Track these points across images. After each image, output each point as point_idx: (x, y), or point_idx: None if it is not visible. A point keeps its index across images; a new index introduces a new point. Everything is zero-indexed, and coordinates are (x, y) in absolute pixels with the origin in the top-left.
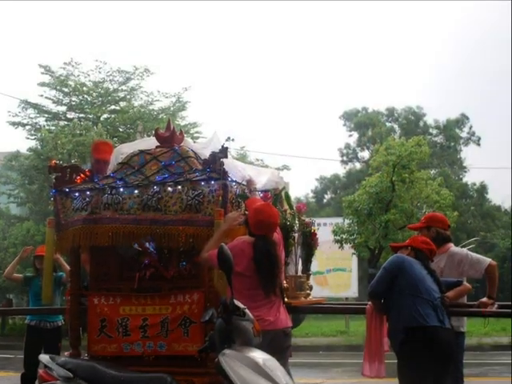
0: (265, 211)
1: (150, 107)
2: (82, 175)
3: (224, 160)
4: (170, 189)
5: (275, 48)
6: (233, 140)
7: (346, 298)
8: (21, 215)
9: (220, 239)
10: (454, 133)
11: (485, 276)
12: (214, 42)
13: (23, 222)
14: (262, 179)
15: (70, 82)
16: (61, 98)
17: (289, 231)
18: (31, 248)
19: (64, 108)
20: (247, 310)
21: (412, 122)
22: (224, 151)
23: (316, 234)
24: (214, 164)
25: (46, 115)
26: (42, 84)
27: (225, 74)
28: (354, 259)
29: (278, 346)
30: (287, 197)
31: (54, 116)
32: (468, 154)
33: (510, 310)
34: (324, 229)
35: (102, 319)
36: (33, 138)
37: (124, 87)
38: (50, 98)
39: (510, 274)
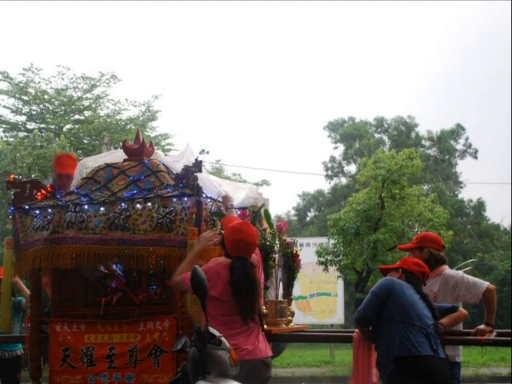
0: (242, 230)
1: (118, 117)
2: (43, 191)
3: (198, 174)
4: (139, 206)
5: (253, 53)
6: (207, 153)
7: (331, 325)
8: None
9: (193, 261)
10: (448, 145)
11: (482, 301)
12: (186, 46)
13: None
14: (239, 195)
15: (30, 90)
16: (20, 106)
17: (269, 252)
18: None
19: (23, 118)
20: (223, 338)
21: (403, 133)
22: (198, 165)
23: (298, 256)
24: (187, 179)
25: (4, 126)
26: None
27: (199, 80)
28: (340, 283)
29: (257, 377)
30: (267, 214)
31: (13, 127)
32: (464, 167)
33: (509, 338)
34: (307, 249)
35: (65, 348)
36: None
37: (89, 95)
38: (7, 107)
39: (510, 299)
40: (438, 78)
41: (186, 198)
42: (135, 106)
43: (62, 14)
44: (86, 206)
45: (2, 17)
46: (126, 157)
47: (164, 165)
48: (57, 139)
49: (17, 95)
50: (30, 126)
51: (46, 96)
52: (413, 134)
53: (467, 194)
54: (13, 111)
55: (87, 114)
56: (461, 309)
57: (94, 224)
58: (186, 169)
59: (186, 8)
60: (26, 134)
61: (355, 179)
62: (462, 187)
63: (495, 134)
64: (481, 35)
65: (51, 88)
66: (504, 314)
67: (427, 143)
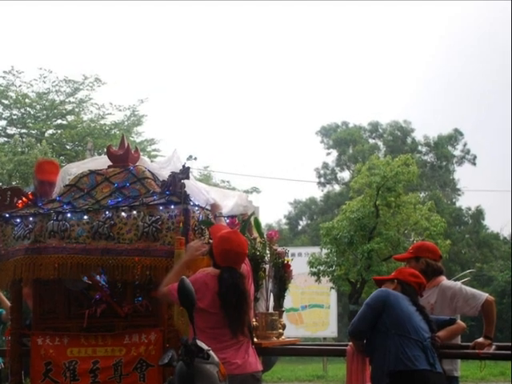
0: (231, 240)
1: (102, 121)
2: (24, 199)
3: (185, 182)
4: (123, 214)
5: (243, 55)
6: (195, 159)
7: (324, 338)
8: None
9: (181, 271)
10: (446, 151)
11: (481, 313)
12: (173, 49)
13: None
14: (228, 203)
15: (11, 93)
16: (0, 111)
17: (259, 262)
18: None
19: (4, 122)
20: (212, 352)
21: (398, 139)
22: (185, 171)
23: (290, 266)
24: (174, 186)
25: None
26: None
27: (186, 84)
28: (333, 294)
29: None
30: (257, 223)
31: None
32: (462, 174)
33: (509, 352)
34: (299, 259)
35: (47, 362)
36: None
37: (72, 99)
38: None
39: (510, 311)
40: (436, 80)
41: (172, 206)
42: (120, 110)
43: (44, 15)
44: (68, 215)
45: None
46: (111, 163)
47: (150, 171)
48: (38, 145)
49: None
50: (11, 131)
51: (27, 100)
52: (409, 140)
53: (465, 201)
54: None
55: (70, 118)
56: (459, 321)
57: (77, 233)
58: (173, 176)
59: (172, 10)
60: (6, 139)
61: (349, 186)
62: (459, 195)
63: (494, 139)
64: (481, 35)
65: (33, 91)
66: (504, 327)
67: (424, 149)
